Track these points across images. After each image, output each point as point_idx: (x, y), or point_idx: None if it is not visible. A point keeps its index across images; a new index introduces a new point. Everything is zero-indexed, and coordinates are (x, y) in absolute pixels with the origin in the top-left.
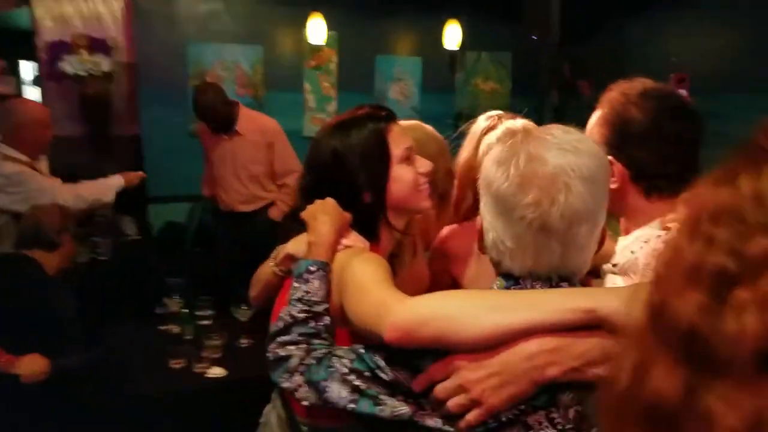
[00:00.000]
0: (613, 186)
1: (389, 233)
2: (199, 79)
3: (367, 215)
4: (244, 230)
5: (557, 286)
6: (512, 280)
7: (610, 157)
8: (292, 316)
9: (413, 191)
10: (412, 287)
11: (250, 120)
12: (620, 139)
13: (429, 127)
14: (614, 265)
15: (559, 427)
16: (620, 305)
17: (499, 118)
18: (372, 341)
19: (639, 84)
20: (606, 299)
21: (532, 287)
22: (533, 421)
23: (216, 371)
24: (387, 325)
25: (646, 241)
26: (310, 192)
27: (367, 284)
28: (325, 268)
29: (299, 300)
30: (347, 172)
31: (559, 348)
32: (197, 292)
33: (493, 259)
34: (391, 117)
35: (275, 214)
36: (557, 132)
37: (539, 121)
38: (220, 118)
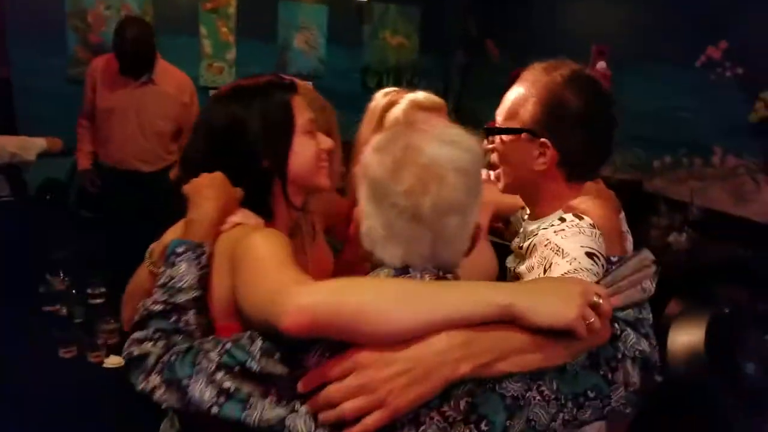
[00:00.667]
0: (539, 168)
1: (286, 211)
2: (78, 18)
3: (263, 190)
4: (142, 193)
5: (443, 278)
6: (401, 270)
7: (543, 140)
8: (148, 309)
9: (314, 167)
10: (313, 274)
11: (166, 72)
12: (554, 122)
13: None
14: (520, 248)
15: (450, 420)
16: (534, 300)
17: (398, 92)
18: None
19: (568, 67)
20: (519, 294)
21: (421, 277)
22: (425, 417)
23: (114, 360)
24: (287, 308)
25: (550, 226)
26: (197, 162)
27: (266, 263)
28: (197, 249)
29: (162, 286)
30: (246, 140)
31: (469, 342)
32: (87, 266)
33: (366, 247)
34: (294, 87)
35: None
36: (439, 125)
37: (446, 83)
38: (140, 58)
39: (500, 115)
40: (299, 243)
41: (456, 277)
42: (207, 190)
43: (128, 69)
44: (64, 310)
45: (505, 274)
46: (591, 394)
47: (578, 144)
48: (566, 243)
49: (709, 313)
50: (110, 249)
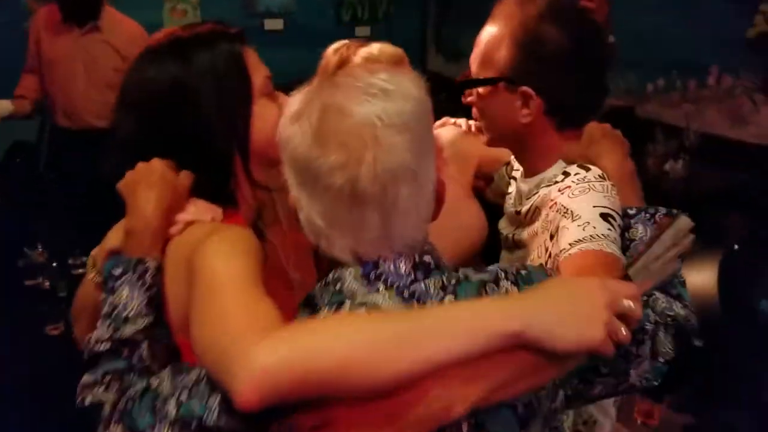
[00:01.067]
0: (524, 120)
1: (250, 193)
2: None
3: (220, 171)
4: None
5: (421, 262)
6: (369, 265)
7: (523, 88)
8: (98, 342)
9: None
10: (295, 260)
11: (114, 19)
12: (534, 64)
13: None
14: (517, 212)
15: None
16: (550, 323)
17: (348, 47)
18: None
19: None
20: (530, 315)
21: (396, 267)
22: None
23: None
24: (241, 376)
25: (553, 183)
26: (129, 145)
27: (223, 289)
28: (137, 267)
29: (107, 317)
30: (193, 109)
31: (470, 380)
32: (65, 235)
33: (311, 241)
34: (243, 37)
35: None
36: (361, 73)
37: (424, 11)
38: (83, 2)
39: (474, 63)
40: (272, 228)
41: (433, 253)
42: (144, 188)
43: (70, 15)
44: (47, 284)
45: (495, 238)
46: (604, 370)
47: (565, 87)
48: (575, 203)
49: (720, 253)
50: (84, 215)
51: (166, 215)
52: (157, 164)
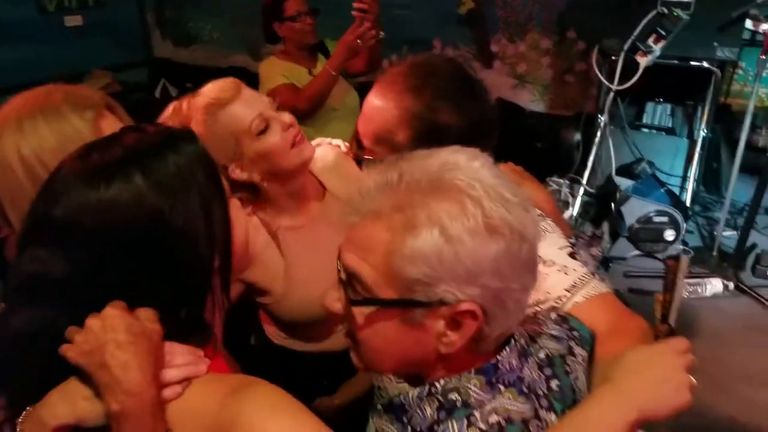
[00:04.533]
0: None
1: (220, 301)
2: None
3: (198, 300)
4: None
5: (521, 346)
6: (491, 370)
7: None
8: None
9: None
10: None
11: None
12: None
13: None
14: None
15: None
16: (654, 400)
17: (183, 103)
18: None
19: (431, 78)
20: (638, 398)
21: (510, 363)
22: None
23: None
24: None
25: None
26: (73, 293)
27: None
28: None
29: None
30: (171, 233)
31: None
32: None
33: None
34: (194, 135)
35: None
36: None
37: (127, 13)
38: None
39: (366, 139)
40: None
41: (519, 329)
42: (115, 351)
43: None
44: None
45: None
46: None
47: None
48: (540, 249)
49: None
50: None
51: (155, 378)
52: (114, 314)
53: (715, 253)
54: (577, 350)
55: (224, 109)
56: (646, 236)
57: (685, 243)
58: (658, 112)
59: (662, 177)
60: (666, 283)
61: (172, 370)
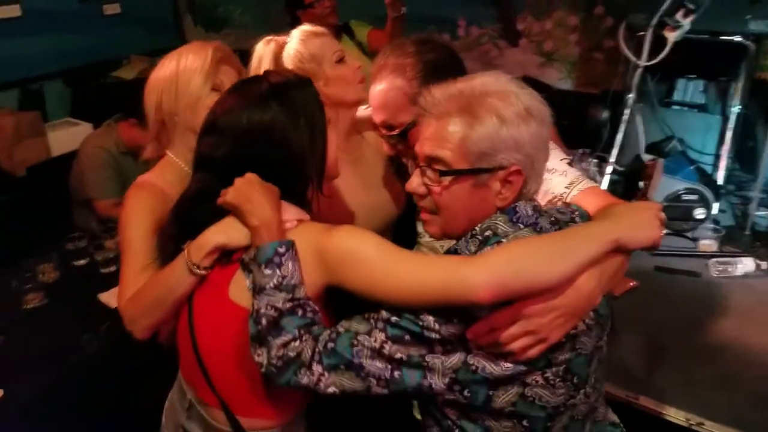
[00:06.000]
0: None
1: (317, 197)
2: None
3: (305, 188)
4: None
5: (534, 205)
6: (511, 211)
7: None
8: (277, 309)
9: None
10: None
11: None
12: (441, 81)
13: None
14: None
15: (551, 382)
16: (632, 230)
17: (275, 41)
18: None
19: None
20: (620, 226)
21: (526, 211)
22: (530, 378)
23: None
24: (477, 285)
25: None
26: (226, 166)
27: (393, 254)
28: (293, 247)
29: (277, 287)
30: (290, 143)
31: (600, 277)
32: None
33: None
34: (310, 80)
35: None
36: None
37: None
38: None
39: (390, 114)
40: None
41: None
42: (257, 195)
43: None
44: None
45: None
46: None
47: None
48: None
49: None
50: None
51: (280, 215)
52: (254, 178)
53: (747, 232)
54: (578, 221)
55: (317, 38)
56: (675, 214)
57: (716, 222)
58: (690, 89)
59: (694, 156)
60: (644, 181)
61: (288, 214)
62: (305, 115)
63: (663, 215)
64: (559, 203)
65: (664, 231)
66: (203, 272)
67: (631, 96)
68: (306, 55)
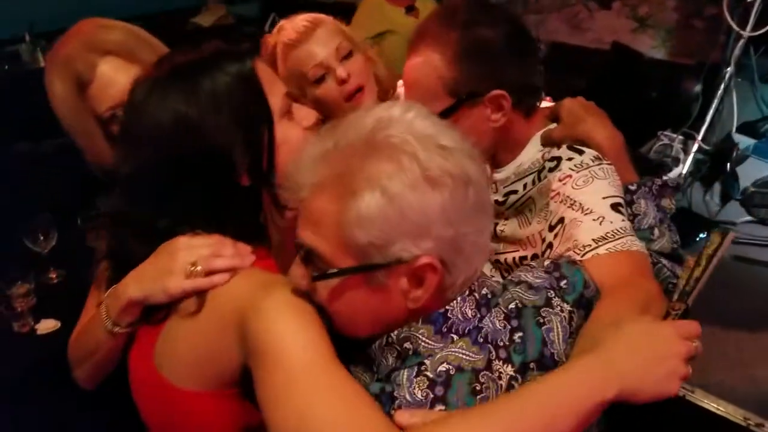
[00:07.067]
0: (497, 125)
1: (276, 220)
2: None
3: (246, 206)
4: None
5: (482, 296)
6: (439, 319)
7: (494, 92)
8: None
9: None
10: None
11: None
12: (487, 67)
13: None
14: (497, 202)
15: None
16: (640, 380)
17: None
18: None
19: (455, 7)
20: (623, 375)
21: (463, 313)
22: None
23: (48, 325)
24: None
25: (541, 168)
26: (133, 196)
27: (308, 375)
28: None
29: None
30: (205, 147)
31: None
32: None
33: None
34: (254, 53)
35: None
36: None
37: None
38: None
39: (418, 99)
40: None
41: (487, 281)
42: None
43: None
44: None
45: None
46: None
47: (520, 74)
48: (582, 195)
49: None
50: None
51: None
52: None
53: None
54: (556, 301)
55: (295, 50)
56: (762, 201)
57: None
58: None
59: None
60: (699, 258)
61: (219, 260)
62: (226, 106)
63: (689, 369)
64: (547, 261)
65: (747, 219)
66: (125, 330)
67: (729, 69)
68: (286, 74)
